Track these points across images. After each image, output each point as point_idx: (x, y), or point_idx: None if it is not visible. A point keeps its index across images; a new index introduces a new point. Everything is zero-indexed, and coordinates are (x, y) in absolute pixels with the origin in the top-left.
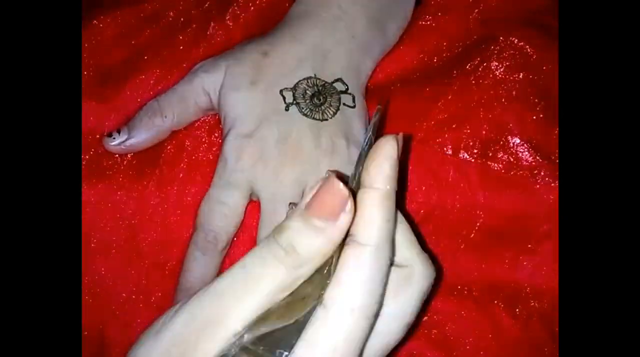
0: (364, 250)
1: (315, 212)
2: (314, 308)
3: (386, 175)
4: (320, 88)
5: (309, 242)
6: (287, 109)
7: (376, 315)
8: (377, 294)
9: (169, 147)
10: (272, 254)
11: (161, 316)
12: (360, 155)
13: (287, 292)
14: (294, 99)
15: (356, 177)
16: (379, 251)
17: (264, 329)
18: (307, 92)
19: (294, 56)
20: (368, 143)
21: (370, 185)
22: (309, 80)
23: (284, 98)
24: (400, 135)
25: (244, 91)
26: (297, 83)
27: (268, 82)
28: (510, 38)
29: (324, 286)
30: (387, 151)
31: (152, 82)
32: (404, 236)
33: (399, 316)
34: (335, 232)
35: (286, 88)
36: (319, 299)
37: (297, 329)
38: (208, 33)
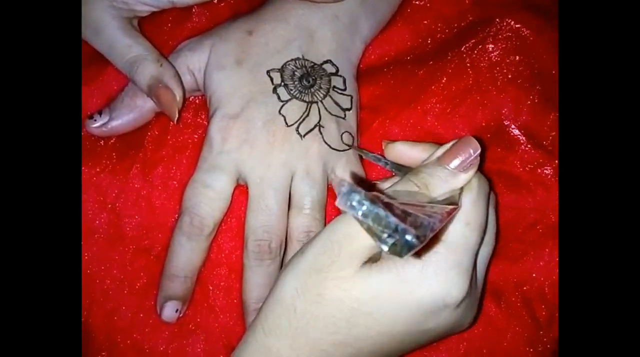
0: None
1: (450, 162)
2: None
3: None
4: (309, 69)
5: (438, 184)
6: (274, 92)
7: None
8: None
9: (153, 129)
10: (406, 189)
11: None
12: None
13: None
14: (282, 81)
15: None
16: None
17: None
18: (296, 73)
19: (279, 35)
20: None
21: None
22: (297, 62)
23: (272, 79)
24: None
25: (229, 70)
26: (284, 64)
27: (254, 62)
28: (507, 20)
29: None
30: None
31: None
32: None
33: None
34: (462, 181)
35: (273, 69)
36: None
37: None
38: (193, 11)
